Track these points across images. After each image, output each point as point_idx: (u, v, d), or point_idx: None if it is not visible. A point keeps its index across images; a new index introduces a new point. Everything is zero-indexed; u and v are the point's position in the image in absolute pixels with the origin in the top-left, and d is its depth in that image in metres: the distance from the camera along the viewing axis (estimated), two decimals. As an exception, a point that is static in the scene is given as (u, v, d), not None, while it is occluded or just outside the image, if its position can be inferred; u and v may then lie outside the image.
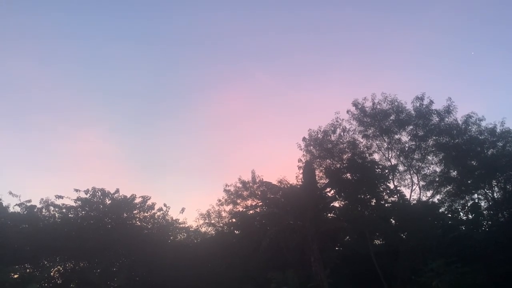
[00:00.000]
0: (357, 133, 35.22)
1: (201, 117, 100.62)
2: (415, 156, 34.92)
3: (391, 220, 33.69)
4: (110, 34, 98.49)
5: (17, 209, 32.19)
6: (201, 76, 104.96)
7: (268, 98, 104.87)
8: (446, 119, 33.61)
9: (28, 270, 30.88)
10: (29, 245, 29.88)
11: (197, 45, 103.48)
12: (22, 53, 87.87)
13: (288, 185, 36.63)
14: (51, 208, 33.32)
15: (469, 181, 33.66)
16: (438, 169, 35.18)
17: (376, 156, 35.23)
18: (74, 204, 33.47)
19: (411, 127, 34.24)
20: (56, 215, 33.42)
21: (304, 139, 36.17)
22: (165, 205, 37.28)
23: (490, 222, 34.05)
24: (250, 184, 39.98)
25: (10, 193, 32.01)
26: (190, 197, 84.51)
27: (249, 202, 39.62)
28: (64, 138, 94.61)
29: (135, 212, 35.65)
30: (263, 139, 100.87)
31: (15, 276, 28.57)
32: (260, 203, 37.33)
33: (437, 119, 33.70)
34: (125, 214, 34.83)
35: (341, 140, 35.36)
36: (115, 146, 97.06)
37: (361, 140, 35.17)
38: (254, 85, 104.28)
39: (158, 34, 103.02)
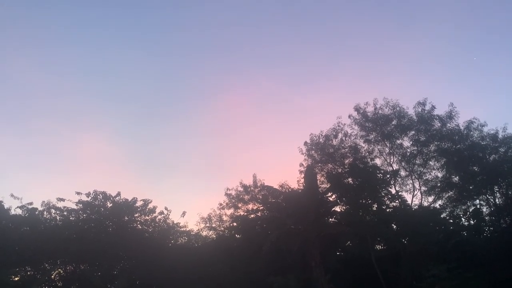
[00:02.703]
0: (359, 138, 35.29)
1: (203, 121, 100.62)
2: (416, 161, 34.91)
3: (393, 225, 33.63)
4: (114, 38, 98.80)
5: (19, 211, 32.28)
6: (204, 80, 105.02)
7: (270, 102, 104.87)
8: (448, 124, 33.65)
9: (29, 273, 30.89)
10: (30, 248, 29.84)
11: (201, 50, 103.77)
12: (24, 58, 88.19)
13: (290, 190, 36.62)
14: (53, 210, 33.37)
15: (470, 187, 33.61)
16: (439, 175, 35.18)
17: (378, 161, 35.28)
18: (75, 207, 33.54)
19: (413, 132, 34.25)
20: (57, 218, 33.45)
21: (305, 143, 36.23)
22: (166, 208, 37.38)
23: (491, 228, 34.00)
24: (252, 188, 39.97)
25: (12, 195, 32.10)
26: (191, 200, 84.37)
27: (250, 206, 39.61)
28: (66, 141, 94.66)
29: (136, 215, 35.65)
30: (265, 144, 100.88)
31: (16, 278, 28.60)
32: (262, 207, 37.32)
33: (439, 124, 33.72)
34: (126, 218, 34.85)
35: (342, 145, 35.40)
36: (117, 150, 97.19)
37: (363, 145, 35.23)
38: (256, 90, 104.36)
39: (162, 38, 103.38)
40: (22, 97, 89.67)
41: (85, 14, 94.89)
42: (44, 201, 33.42)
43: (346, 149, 35.29)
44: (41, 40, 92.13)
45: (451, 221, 34.69)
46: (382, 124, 34.34)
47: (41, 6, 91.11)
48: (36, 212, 32.66)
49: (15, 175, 78.06)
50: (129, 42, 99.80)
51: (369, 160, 34.73)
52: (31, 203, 32.56)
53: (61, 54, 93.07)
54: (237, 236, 38.18)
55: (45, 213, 33.22)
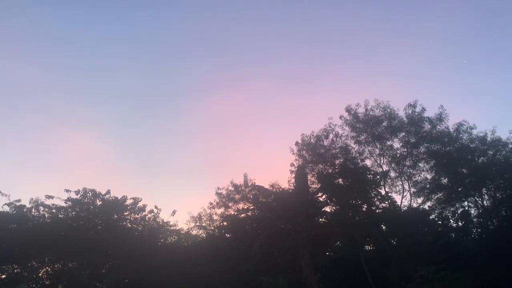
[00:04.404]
0: (350, 138, 35.40)
1: (195, 120, 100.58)
2: (406, 162, 35.11)
3: (382, 226, 33.84)
4: (106, 35, 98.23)
5: (6, 208, 31.81)
6: (196, 79, 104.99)
7: (262, 102, 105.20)
8: (438, 126, 33.92)
9: (16, 271, 30.49)
10: (17, 245, 29.52)
11: (193, 48, 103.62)
12: (16, 54, 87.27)
13: (280, 189, 36.68)
14: (41, 208, 32.99)
15: (459, 189, 33.91)
16: (429, 176, 35.44)
17: (368, 162, 35.42)
18: (64, 205, 33.23)
19: (403, 134, 34.45)
20: (46, 215, 33.08)
21: (297, 143, 36.28)
22: (156, 207, 37.23)
23: (479, 230, 34.33)
24: (242, 187, 39.99)
25: (-1, 192, 31.69)
26: (182, 199, 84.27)
27: (240, 206, 39.64)
28: (56, 138, 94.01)
29: (125, 213, 35.44)
30: (256, 143, 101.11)
31: (3, 276, 28.30)
32: (252, 207, 37.32)
33: (429, 126, 33.97)
34: (115, 216, 34.61)
35: (333, 145, 35.50)
36: (108, 147, 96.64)
37: (353, 146, 35.35)
38: (248, 89, 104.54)
39: (155, 36, 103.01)
40: (13, 93, 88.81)
41: (78, 10, 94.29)
42: (32, 198, 33.10)
43: (337, 150, 35.40)
44: (32, 35, 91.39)
45: (440, 222, 34.99)
46: (372, 125, 34.51)
47: (33, 1, 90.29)
48: (24, 209, 32.27)
49: (3, 172, 77.32)
50: (122, 38, 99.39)
51: (359, 161, 34.88)
52: (19, 200, 32.21)
53: (52, 50, 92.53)
54: (227, 235, 38.15)
55: (33, 210, 32.85)
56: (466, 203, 35.23)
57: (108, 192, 34.78)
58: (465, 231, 33.47)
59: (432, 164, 34.77)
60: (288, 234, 29.35)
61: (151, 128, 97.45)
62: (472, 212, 35.07)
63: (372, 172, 34.46)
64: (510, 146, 34.03)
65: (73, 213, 33.47)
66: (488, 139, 34.18)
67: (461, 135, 34.13)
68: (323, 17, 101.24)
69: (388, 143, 34.86)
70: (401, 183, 35.36)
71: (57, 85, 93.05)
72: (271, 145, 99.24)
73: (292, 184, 34.69)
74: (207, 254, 33.51)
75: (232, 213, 39.11)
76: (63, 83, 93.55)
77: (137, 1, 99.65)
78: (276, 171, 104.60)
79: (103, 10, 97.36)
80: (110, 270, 32.92)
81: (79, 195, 33.55)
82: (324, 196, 32.65)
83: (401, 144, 34.76)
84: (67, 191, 33.20)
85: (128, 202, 35.26)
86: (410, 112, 34.08)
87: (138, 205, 35.70)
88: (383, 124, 34.45)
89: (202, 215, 41.45)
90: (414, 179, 35.47)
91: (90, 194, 34.01)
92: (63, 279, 31.49)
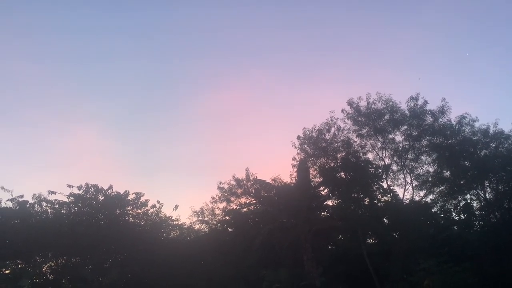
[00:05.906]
0: (352, 132, 35.34)
1: (196, 114, 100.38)
2: (408, 156, 35.06)
3: (384, 219, 33.86)
4: (105, 29, 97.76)
5: (9, 204, 31.88)
6: (196, 73, 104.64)
7: (263, 95, 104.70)
8: (440, 119, 33.81)
9: (19, 266, 30.66)
10: (20, 241, 29.63)
11: (193, 42, 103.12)
12: (16, 48, 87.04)
13: (282, 184, 36.67)
14: (44, 203, 33.06)
15: (461, 182, 33.87)
16: (431, 169, 35.39)
17: (370, 156, 35.38)
18: (67, 200, 33.26)
19: (405, 127, 34.36)
20: (49, 211, 33.17)
21: (298, 137, 36.23)
22: (158, 202, 37.20)
23: (481, 223, 34.32)
24: (244, 181, 39.99)
25: (2, 188, 31.71)
26: (184, 194, 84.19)
27: (242, 200, 39.64)
28: (58, 134, 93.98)
29: (128, 208, 35.49)
30: (258, 137, 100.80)
31: (7, 271, 28.42)
32: (254, 201, 37.35)
33: (431, 119, 33.87)
34: (118, 211, 34.68)
35: (335, 139, 35.45)
36: (110, 142, 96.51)
37: (355, 139, 35.30)
38: (249, 83, 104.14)
39: (154, 30, 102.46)
40: (13, 88, 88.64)
41: (77, 4, 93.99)
42: (35, 194, 33.08)
43: (339, 144, 35.35)
44: (32, 29, 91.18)
45: (442, 215, 35.00)
46: (374, 119, 34.42)
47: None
48: (27, 205, 32.35)
49: (6, 168, 77.54)
50: (122, 33, 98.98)
51: (361, 154, 34.84)
52: (22, 196, 32.25)
53: (53, 44, 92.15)
54: (229, 229, 38.26)
55: (36, 206, 32.90)
56: (468, 196, 35.24)
57: (111, 187, 34.85)
58: (467, 224, 33.48)
59: (434, 157, 34.71)
60: (290, 228, 29.41)
61: (153, 122, 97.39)
62: (475, 205, 35.13)
63: (374, 166, 34.45)
64: (513, 138, 33.94)
65: (76, 208, 33.54)
66: (491, 131, 34.09)
67: (463, 128, 34.05)
68: (324, 9, 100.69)
69: (390, 136, 34.82)
70: (403, 176, 35.37)
71: (59, 79, 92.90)
72: (273, 139, 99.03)
73: (294, 178, 34.73)
74: (209, 249, 33.61)
75: (234, 207, 39.19)
76: (64, 78, 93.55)
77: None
78: (278, 165, 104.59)
79: (103, 3, 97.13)
80: (113, 265, 33.07)
81: (81, 191, 33.61)
82: (326, 190, 32.71)
83: (403, 137, 34.72)
84: (69, 186, 33.30)
85: (131, 197, 35.30)
86: (412, 105, 33.99)
87: (140, 200, 35.74)
88: (385, 117, 34.34)
89: (204, 209, 41.56)
90: (416, 172, 35.43)
91: (93, 189, 34.04)
92: (67, 274, 31.61)
